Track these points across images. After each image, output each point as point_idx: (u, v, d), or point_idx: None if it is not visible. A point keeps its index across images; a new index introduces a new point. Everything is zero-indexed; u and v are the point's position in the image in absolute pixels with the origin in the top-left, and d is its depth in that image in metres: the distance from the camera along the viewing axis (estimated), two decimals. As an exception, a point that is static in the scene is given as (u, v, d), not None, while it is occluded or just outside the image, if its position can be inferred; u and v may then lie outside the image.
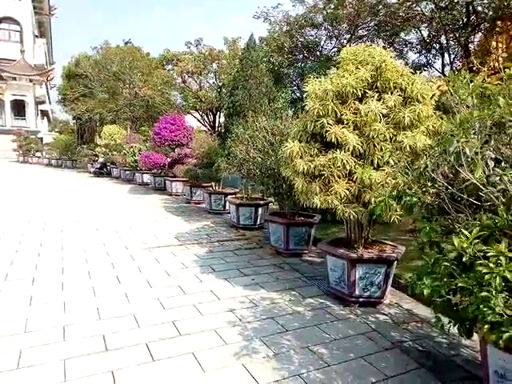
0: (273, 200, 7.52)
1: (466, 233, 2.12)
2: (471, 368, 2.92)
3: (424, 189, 2.69)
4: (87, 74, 24.41)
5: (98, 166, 19.96)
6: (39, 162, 29.35)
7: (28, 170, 23.80)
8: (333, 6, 14.20)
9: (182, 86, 20.42)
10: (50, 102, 49.89)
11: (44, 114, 49.20)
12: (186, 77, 19.88)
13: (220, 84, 19.56)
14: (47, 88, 47.12)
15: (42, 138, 34.51)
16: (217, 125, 20.61)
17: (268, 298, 4.20)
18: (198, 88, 19.89)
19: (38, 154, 30.26)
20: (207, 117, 20.96)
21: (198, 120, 21.19)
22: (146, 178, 15.52)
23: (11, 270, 4.89)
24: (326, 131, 3.84)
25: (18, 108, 38.84)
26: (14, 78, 37.50)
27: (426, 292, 2.13)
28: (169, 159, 13.09)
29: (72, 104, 26.34)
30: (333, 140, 3.78)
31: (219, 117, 20.37)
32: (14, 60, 38.35)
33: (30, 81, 38.60)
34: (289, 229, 5.70)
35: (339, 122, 3.91)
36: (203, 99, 19.07)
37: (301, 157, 4.02)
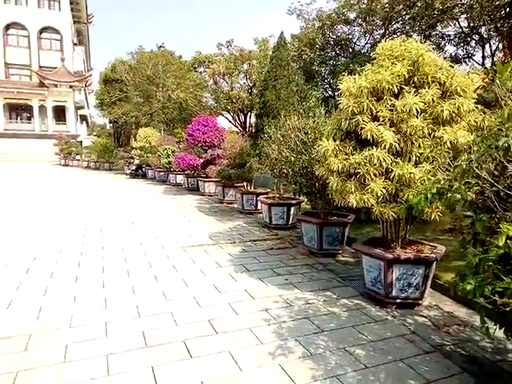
0: (305, 199, 7.47)
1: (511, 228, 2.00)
2: (520, 375, 2.78)
3: (467, 186, 2.57)
4: (123, 79, 25.30)
5: (134, 167, 20.61)
6: (79, 165, 30.70)
7: (69, 172, 24.97)
8: (366, 1, 13.91)
9: (214, 88, 20.70)
10: (88, 107, 52.10)
11: (83, 118, 51.46)
12: (218, 78, 20.14)
13: (251, 84, 19.68)
14: (86, 93, 49.23)
15: (81, 142, 36.13)
16: (248, 125, 20.74)
17: (302, 298, 4.18)
18: (230, 89, 20.09)
19: (78, 157, 31.65)
20: (238, 117, 21.14)
21: (230, 121, 21.42)
22: (180, 178, 15.86)
23: (56, 269, 5.15)
24: (361, 128, 3.77)
25: (59, 113, 40.85)
26: (56, 85, 39.47)
27: (468, 287, 2.03)
28: (201, 160, 13.30)
29: (109, 108, 27.41)
30: (368, 137, 3.70)
31: (250, 117, 20.50)
32: (55, 67, 40.43)
33: (70, 87, 40.50)
34: (322, 228, 5.64)
35: (375, 119, 3.83)
36: (234, 100, 19.25)
37: (335, 155, 3.97)
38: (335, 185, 3.88)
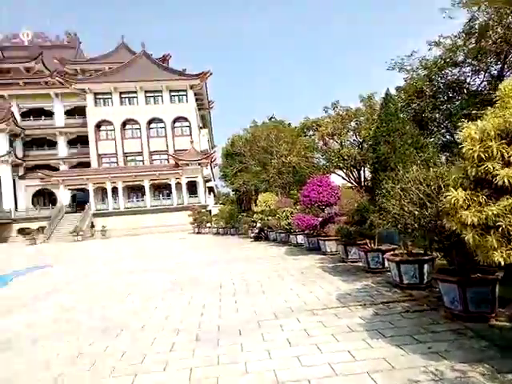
0: (438, 255, 6.84)
1: None
2: None
3: None
4: (241, 152, 27.99)
5: (257, 231, 21.79)
6: (210, 231, 33.86)
7: (201, 239, 27.63)
8: (474, 41, 13.16)
9: (324, 149, 21.29)
10: (214, 179, 58.63)
11: (210, 189, 57.84)
12: (327, 139, 20.72)
13: (361, 140, 19.68)
14: (211, 168, 55.85)
15: (210, 211, 40.18)
16: (362, 179, 20.41)
17: (454, 371, 3.72)
18: (340, 147, 20.40)
19: (208, 224, 35.02)
20: (351, 173, 21.03)
21: (343, 177, 21.42)
22: (300, 238, 16.13)
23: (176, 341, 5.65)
24: (494, 176, 3.49)
25: (191, 188, 46.81)
26: (187, 164, 45.85)
27: None
28: (319, 219, 13.45)
29: (231, 179, 30.26)
30: (506, 184, 3.39)
31: (364, 171, 20.21)
32: (186, 150, 47.43)
33: (199, 164, 46.60)
34: (464, 288, 5.04)
35: (508, 164, 3.51)
36: (346, 157, 19.37)
37: (468, 206, 3.69)
38: (471, 240, 3.57)
